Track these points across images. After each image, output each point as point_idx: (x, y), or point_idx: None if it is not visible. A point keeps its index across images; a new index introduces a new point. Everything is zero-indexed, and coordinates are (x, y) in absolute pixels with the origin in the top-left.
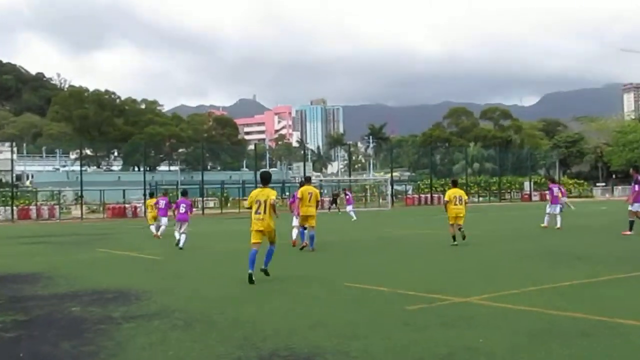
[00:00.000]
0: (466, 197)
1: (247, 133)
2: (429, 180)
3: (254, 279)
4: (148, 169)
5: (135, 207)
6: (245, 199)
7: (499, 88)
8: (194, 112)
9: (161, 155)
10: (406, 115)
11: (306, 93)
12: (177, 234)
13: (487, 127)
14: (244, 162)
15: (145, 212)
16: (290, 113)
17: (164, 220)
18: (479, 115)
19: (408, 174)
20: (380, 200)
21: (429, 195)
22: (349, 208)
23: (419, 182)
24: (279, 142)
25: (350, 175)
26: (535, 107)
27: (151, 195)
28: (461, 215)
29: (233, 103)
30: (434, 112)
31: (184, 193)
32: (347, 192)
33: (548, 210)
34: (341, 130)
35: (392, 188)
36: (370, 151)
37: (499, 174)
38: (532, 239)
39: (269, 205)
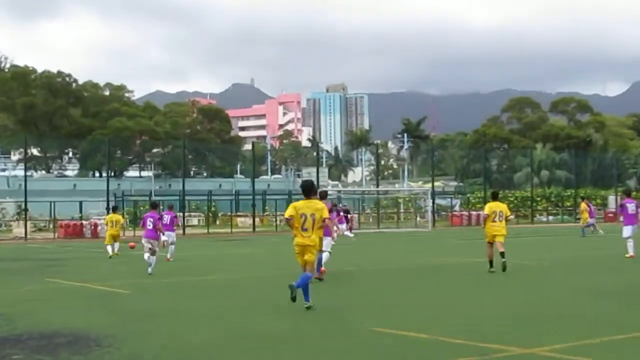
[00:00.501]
0: (509, 213)
1: (243, 128)
2: (482, 193)
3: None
4: (112, 174)
5: (96, 225)
6: (241, 214)
7: (574, 72)
8: (174, 100)
9: (130, 157)
10: (452, 107)
11: (320, 77)
12: (147, 258)
13: (560, 123)
14: (238, 166)
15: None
16: (299, 103)
17: (172, 235)
18: (549, 108)
19: (454, 184)
20: (418, 219)
21: (481, 213)
22: (343, 228)
23: (468, 195)
24: (285, 141)
25: (378, 185)
26: (622, 98)
27: (114, 210)
28: (501, 234)
29: (224, 89)
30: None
31: (154, 205)
32: (340, 210)
33: (625, 234)
34: (366, 125)
35: (433, 203)
36: (404, 153)
37: (575, 186)
38: (617, 271)
39: (319, 221)
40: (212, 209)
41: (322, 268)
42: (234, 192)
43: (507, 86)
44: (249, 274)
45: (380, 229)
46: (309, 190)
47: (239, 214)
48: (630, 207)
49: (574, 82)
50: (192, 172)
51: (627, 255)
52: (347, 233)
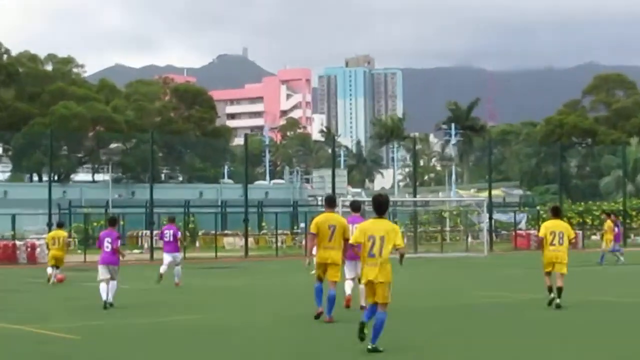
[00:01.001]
0: (572, 234)
1: (232, 116)
2: (558, 205)
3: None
4: (56, 178)
5: (34, 246)
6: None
7: None
8: (139, 77)
9: (80, 155)
10: (516, 88)
11: (337, 46)
12: (103, 290)
13: None
14: (226, 168)
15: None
16: (308, 81)
17: (178, 257)
18: None
19: (519, 192)
20: (469, 240)
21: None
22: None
23: (538, 208)
24: (289, 133)
25: (415, 194)
26: None
27: (59, 226)
28: (562, 261)
29: (206, 63)
30: (566, 82)
31: (112, 221)
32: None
33: None
34: (399, 112)
35: (490, 218)
36: (451, 150)
37: None
38: None
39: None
40: (191, 225)
41: (321, 307)
42: (219, 203)
43: (591, 58)
44: (238, 316)
45: (418, 253)
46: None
47: (226, 232)
48: None
49: None
50: (163, 176)
51: None
52: None
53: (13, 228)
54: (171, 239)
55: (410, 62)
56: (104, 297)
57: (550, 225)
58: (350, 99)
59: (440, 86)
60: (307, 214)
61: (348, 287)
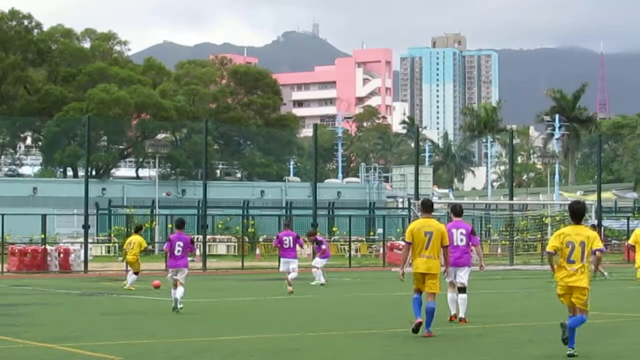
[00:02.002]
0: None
1: (300, 103)
2: None
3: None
4: (94, 173)
5: (67, 251)
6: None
7: None
8: (191, 57)
9: (122, 147)
10: (633, 73)
11: (422, 23)
12: (173, 294)
13: None
14: (291, 163)
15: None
16: (388, 64)
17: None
18: None
19: (634, 195)
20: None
21: None
22: (318, 263)
23: None
24: (366, 124)
25: (512, 197)
26: None
27: (136, 231)
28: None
29: (270, 42)
30: None
31: (181, 224)
32: (318, 237)
33: None
34: (494, 100)
35: (599, 225)
36: (554, 146)
37: None
38: None
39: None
40: (250, 229)
41: (420, 318)
42: (284, 204)
43: None
44: (305, 337)
45: (514, 265)
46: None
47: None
48: None
49: None
50: (218, 172)
51: None
52: (318, 274)
53: (43, 230)
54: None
55: (508, 43)
56: (177, 296)
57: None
58: (438, 85)
59: (542, 71)
60: (385, 218)
61: (451, 300)
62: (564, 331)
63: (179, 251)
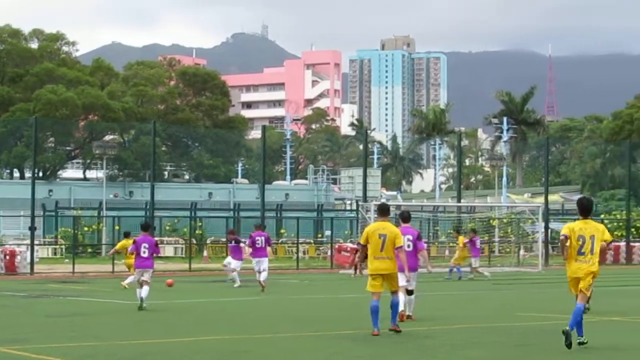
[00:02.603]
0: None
1: (249, 105)
2: (625, 214)
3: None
4: (41, 174)
5: (13, 253)
6: (244, 241)
7: None
8: (139, 57)
9: (69, 148)
10: (580, 76)
11: (372, 25)
12: (138, 293)
13: None
14: (240, 165)
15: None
16: (337, 66)
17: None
18: None
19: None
20: (522, 253)
21: (623, 244)
22: (237, 265)
23: (603, 217)
24: (315, 126)
25: (459, 199)
26: None
27: (126, 236)
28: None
29: (219, 43)
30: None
31: (146, 227)
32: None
33: None
34: (443, 102)
35: (546, 228)
36: (502, 148)
37: None
38: None
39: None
40: (198, 232)
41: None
42: (232, 206)
43: None
44: (255, 339)
45: (462, 268)
46: (586, 208)
47: (235, 240)
48: None
49: None
50: (166, 173)
51: None
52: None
53: None
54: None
55: (457, 45)
56: (142, 295)
57: (579, 226)
58: (386, 87)
59: (491, 73)
60: (333, 220)
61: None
62: (567, 337)
63: (144, 252)
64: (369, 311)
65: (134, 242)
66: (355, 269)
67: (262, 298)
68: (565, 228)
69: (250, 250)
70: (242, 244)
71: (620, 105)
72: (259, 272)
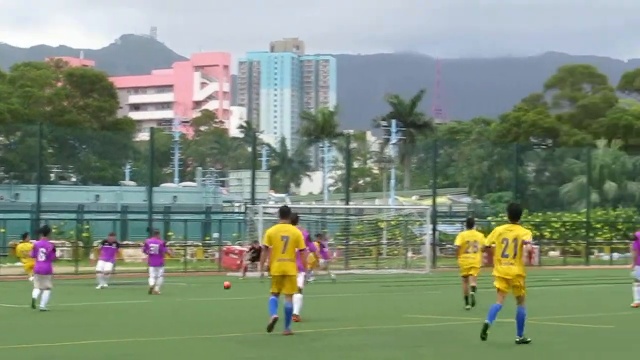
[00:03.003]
0: (485, 242)
1: (136, 106)
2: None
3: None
4: None
5: None
6: (130, 244)
7: None
8: (26, 59)
9: None
10: (468, 79)
11: (261, 27)
12: (35, 294)
13: (635, 109)
14: (127, 167)
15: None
16: (226, 67)
17: (161, 270)
18: (618, 84)
19: (468, 200)
20: (409, 255)
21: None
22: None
23: (489, 219)
24: (203, 128)
25: (348, 201)
26: None
27: (23, 238)
28: (475, 266)
29: (107, 44)
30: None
31: (45, 231)
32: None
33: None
34: (332, 105)
35: (434, 229)
36: (391, 151)
37: None
38: None
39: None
40: (84, 234)
41: (276, 315)
42: (119, 208)
43: (555, 48)
44: (144, 339)
45: (349, 270)
46: (514, 213)
47: (127, 242)
48: None
49: None
50: (53, 176)
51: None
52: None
53: None
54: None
55: (346, 48)
56: (34, 296)
57: (466, 236)
58: (275, 90)
59: (380, 76)
60: (221, 222)
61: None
62: (485, 329)
63: (42, 257)
64: (268, 304)
65: (34, 246)
66: (245, 271)
67: (149, 301)
68: (458, 238)
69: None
70: (115, 247)
71: (508, 108)
72: (153, 279)
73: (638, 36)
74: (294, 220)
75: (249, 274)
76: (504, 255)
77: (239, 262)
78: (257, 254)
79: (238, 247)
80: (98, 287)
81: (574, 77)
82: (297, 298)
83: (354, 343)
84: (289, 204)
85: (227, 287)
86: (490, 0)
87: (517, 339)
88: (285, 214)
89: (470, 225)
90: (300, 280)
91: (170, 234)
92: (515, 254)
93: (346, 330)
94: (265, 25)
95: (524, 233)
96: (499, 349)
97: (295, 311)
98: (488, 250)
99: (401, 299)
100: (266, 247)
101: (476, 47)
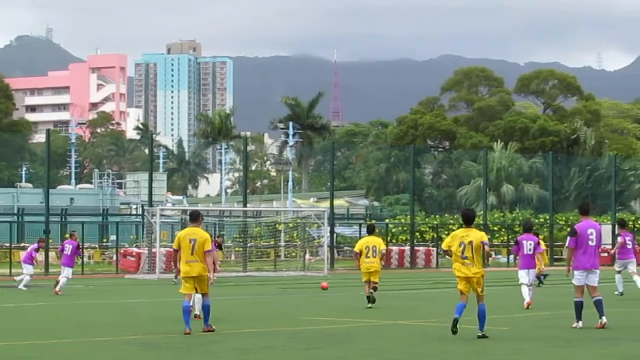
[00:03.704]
0: (383, 248)
1: (33, 108)
2: (409, 218)
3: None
4: None
5: None
6: (28, 246)
7: (555, 33)
8: None
9: None
10: (365, 82)
11: (157, 29)
12: None
13: (531, 111)
14: (24, 169)
15: None
16: (123, 69)
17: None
18: (515, 86)
19: (366, 203)
20: (307, 257)
21: (407, 248)
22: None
23: (387, 221)
24: (100, 130)
25: (245, 203)
26: (627, 73)
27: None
28: (375, 270)
29: (2, 45)
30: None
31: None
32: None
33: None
34: (228, 106)
35: (332, 232)
36: (289, 154)
37: (552, 209)
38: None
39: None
40: None
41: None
42: (15, 210)
43: (452, 51)
44: (42, 342)
45: (247, 272)
46: (469, 219)
47: (24, 245)
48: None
49: (555, 48)
50: None
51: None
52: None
53: None
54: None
55: (243, 50)
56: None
57: (365, 241)
58: (172, 91)
59: (278, 78)
60: (118, 225)
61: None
62: (455, 323)
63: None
64: (181, 311)
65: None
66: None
67: (47, 304)
68: (358, 244)
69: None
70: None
71: (405, 111)
72: (65, 278)
73: (534, 39)
74: (195, 219)
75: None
76: (463, 257)
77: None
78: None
79: (135, 250)
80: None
81: (471, 80)
82: (197, 298)
83: (252, 345)
84: (187, 207)
85: (325, 288)
86: (385, 2)
87: (479, 334)
88: (195, 218)
89: (370, 231)
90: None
91: (67, 236)
92: (473, 256)
93: (244, 333)
94: (162, 27)
95: (480, 236)
96: (395, 350)
97: (197, 311)
98: (447, 253)
99: (299, 301)
100: (176, 251)
101: (373, 49)
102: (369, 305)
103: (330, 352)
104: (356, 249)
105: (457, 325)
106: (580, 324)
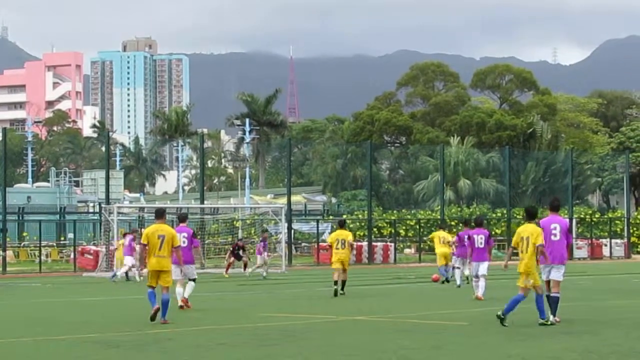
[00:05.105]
0: (351, 239)
1: None
2: (366, 214)
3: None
4: None
5: None
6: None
7: (511, 27)
8: None
9: None
10: (321, 78)
11: (113, 27)
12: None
13: (487, 106)
14: None
15: None
16: (79, 67)
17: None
18: (471, 81)
19: (323, 198)
20: (265, 254)
21: (365, 244)
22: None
23: (345, 217)
24: (56, 128)
25: (202, 200)
26: (582, 68)
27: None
28: (344, 259)
29: None
30: (378, 71)
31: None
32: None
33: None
34: (185, 103)
35: (289, 228)
36: (245, 150)
37: (510, 204)
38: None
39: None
40: None
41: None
42: None
43: (408, 46)
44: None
45: (205, 269)
46: (161, 214)
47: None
48: (478, 238)
49: (510, 43)
50: None
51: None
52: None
53: None
54: None
55: (199, 47)
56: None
57: (336, 235)
58: (129, 89)
59: (233, 75)
60: (76, 223)
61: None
62: (504, 318)
63: None
64: (147, 296)
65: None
66: (228, 269)
67: (3, 302)
68: (330, 236)
69: None
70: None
71: (361, 107)
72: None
73: (489, 34)
74: (183, 219)
75: (231, 271)
76: (337, 248)
77: (97, 262)
78: (239, 250)
79: (93, 247)
80: None
81: (426, 75)
82: (190, 286)
83: (210, 342)
84: (144, 204)
85: (436, 281)
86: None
87: (542, 322)
88: (161, 215)
89: (341, 225)
90: (193, 271)
91: (24, 234)
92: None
93: (202, 330)
94: (117, 24)
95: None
96: (353, 346)
97: (186, 295)
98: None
99: (257, 297)
100: (144, 245)
101: (328, 46)
102: (341, 291)
103: (288, 349)
104: (329, 241)
105: (505, 322)
106: (558, 318)
